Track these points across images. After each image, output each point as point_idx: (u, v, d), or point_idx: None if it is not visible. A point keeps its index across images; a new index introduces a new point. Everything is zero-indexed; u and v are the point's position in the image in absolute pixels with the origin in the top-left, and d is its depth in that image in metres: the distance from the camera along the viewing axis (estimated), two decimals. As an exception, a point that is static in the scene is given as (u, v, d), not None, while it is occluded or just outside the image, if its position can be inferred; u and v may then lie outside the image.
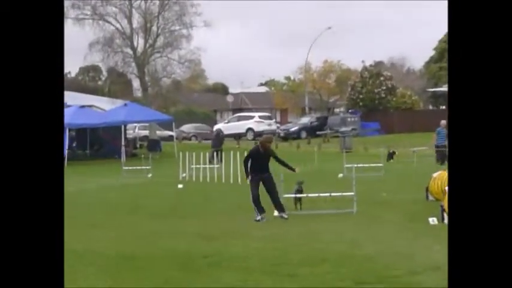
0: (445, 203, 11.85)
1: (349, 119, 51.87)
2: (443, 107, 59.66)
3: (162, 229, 13.09)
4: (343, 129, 43.52)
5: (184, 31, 49.26)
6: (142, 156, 31.58)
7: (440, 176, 15.53)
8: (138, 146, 46.35)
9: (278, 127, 57.92)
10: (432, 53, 68.75)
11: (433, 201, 15.32)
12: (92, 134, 41.89)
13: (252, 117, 55.60)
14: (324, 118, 56.39)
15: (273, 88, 79.57)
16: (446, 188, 11.24)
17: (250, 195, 14.18)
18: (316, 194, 15.18)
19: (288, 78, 72.96)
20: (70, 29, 45.93)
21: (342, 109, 66.99)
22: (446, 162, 23.50)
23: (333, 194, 15.19)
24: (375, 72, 58.71)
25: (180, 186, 22.36)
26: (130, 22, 48.77)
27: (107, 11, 48.48)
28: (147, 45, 49.14)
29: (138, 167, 28.38)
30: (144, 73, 49.65)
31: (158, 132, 50.45)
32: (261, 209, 13.93)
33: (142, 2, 48.66)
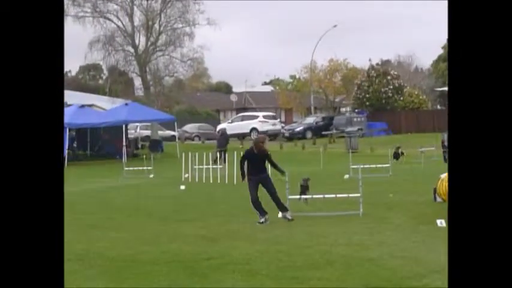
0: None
1: (355, 119, 51.86)
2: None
3: (164, 231, 13.10)
4: (349, 129, 43.52)
5: (187, 29, 49.34)
6: (144, 156, 31.63)
7: (449, 177, 15.51)
8: (139, 146, 46.39)
9: (283, 127, 57.88)
10: (440, 51, 68.74)
11: (441, 203, 15.31)
12: (93, 134, 41.94)
13: (256, 117, 55.61)
14: (330, 118, 56.34)
15: (277, 87, 79.49)
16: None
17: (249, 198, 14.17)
18: (322, 195, 15.17)
19: (293, 76, 72.91)
20: (70, 27, 46.05)
21: (348, 109, 66.95)
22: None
23: (338, 195, 15.18)
24: (381, 71, 58.64)
25: (182, 187, 22.37)
26: (131, 20, 48.82)
27: (108, 9, 48.55)
28: (149, 43, 49.18)
29: (139, 168, 28.41)
30: (146, 72, 49.68)
31: (160, 132, 50.49)
32: (262, 211, 13.91)
33: (144, -1, 48.75)
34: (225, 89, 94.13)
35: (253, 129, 53.81)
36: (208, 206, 17.28)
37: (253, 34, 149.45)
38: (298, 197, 15.20)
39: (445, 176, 16.02)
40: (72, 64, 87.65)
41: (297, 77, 72.19)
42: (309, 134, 53.24)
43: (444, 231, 11.82)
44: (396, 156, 31.76)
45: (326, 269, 9.03)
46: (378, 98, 57.00)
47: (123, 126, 39.57)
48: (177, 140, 45.25)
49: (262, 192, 14.31)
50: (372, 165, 24.43)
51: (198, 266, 9.51)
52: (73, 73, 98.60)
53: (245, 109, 74.67)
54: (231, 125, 53.69)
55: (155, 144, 43.60)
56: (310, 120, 57.38)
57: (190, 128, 59.15)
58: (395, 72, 60.23)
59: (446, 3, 5.59)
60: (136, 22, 49.21)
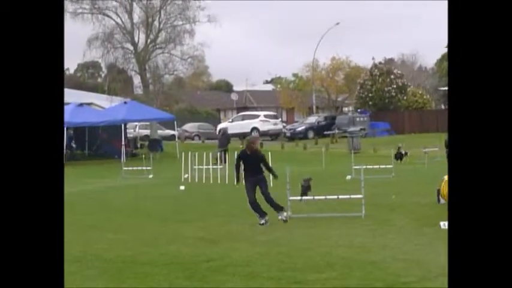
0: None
1: (358, 119, 51.81)
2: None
3: (163, 232, 13.13)
4: (352, 129, 43.50)
5: (187, 26, 49.38)
6: (143, 156, 31.64)
7: (452, 179, 15.52)
8: (138, 145, 46.39)
9: (284, 126, 57.87)
10: (444, 50, 68.64)
11: (445, 205, 15.30)
12: (91, 133, 41.92)
13: (257, 116, 55.59)
14: (332, 117, 56.30)
15: (279, 86, 79.50)
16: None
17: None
18: (323, 197, 15.18)
19: (295, 75, 72.93)
20: (68, 24, 46.02)
21: (351, 108, 66.93)
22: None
23: (340, 196, 15.18)
24: (385, 70, 58.58)
25: (182, 187, 22.38)
26: (131, 16, 48.84)
27: (107, 5, 48.58)
28: (149, 40, 49.20)
29: (138, 168, 28.41)
30: (145, 70, 49.71)
31: (159, 132, 50.55)
32: (261, 212, 13.92)
33: (144, -5, 48.78)
34: (225, 87, 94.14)
35: (254, 128, 53.82)
36: (208, 207, 17.30)
37: (254, 32, 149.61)
38: (299, 198, 15.22)
39: (448, 177, 16.03)
40: (70, 62, 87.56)
41: (300, 75, 72.16)
42: (310, 134, 53.21)
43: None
44: (399, 156, 31.74)
45: (327, 272, 9.05)
46: (381, 98, 56.96)
47: (122, 125, 39.57)
48: (176, 139, 45.27)
49: (259, 193, 14.33)
50: (374, 166, 24.42)
51: (198, 267, 9.53)
52: (71, 71, 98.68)
53: (246, 108, 74.68)
54: (232, 125, 53.65)
55: (154, 144, 43.60)
56: (312, 119, 57.34)
57: (190, 127, 59.17)
58: (399, 71, 60.17)
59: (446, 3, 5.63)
60: (136, 19, 49.32)
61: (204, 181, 24.13)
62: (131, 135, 47.76)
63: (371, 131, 51.21)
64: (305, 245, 11.25)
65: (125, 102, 42.64)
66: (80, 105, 40.65)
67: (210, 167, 25.19)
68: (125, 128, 40.94)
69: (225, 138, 35.41)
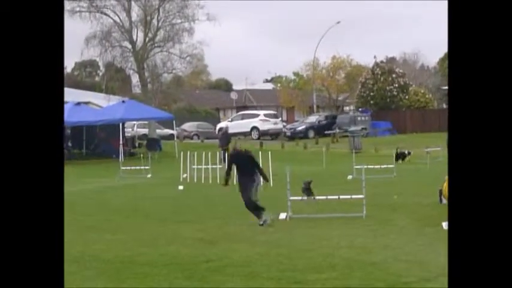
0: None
1: (359, 118, 51.82)
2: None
3: (162, 232, 13.15)
4: (353, 128, 43.52)
5: (186, 24, 49.32)
6: (141, 155, 31.64)
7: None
8: (136, 145, 46.41)
9: (284, 126, 57.86)
10: (447, 49, 68.58)
11: (447, 205, 15.32)
12: (89, 132, 41.91)
13: (257, 116, 55.54)
14: (333, 117, 56.26)
15: (279, 85, 79.49)
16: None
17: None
18: (324, 197, 15.20)
19: (296, 74, 72.93)
20: (66, 22, 45.66)
21: (352, 107, 66.92)
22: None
23: (341, 196, 15.21)
24: (387, 69, 58.56)
25: (180, 187, 22.42)
26: (129, 15, 48.83)
27: (105, 4, 48.54)
28: (147, 39, 49.19)
29: (136, 167, 28.44)
30: (144, 68, 49.69)
31: (158, 131, 50.54)
32: (259, 213, 13.93)
33: (142, -7, 48.77)
34: (224, 86, 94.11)
35: (254, 128, 53.81)
36: (207, 207, 17.32)
37: (254, 31, 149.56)
38: (300, 198, 15.23)
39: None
40: (68, 60, 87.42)
41: (300, 74, 72.15)
42: (311, 134, 53.16)
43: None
44: (402, 156, 31.75)
45: (327, 272, 9.08)
46: (382, 97, 56.94)
47: (120, 124, 39.59)
48: (175, 138, 45.28)
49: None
50: (376, 166, 24.45)
51: (197, 268, 9.56)
52: (69, 70, 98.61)
53: (245, 107, 74.66)
54: (231, 124, 53.55)
55: (153, 143, 43.61)
56: (313, 119, 57.30)
57: (189, 126, 59.14)
58: (401, 70, 60.16)
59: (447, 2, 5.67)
60: (134, 17, 49.29)
61: (203, 181, 24.15)
62: (129, 135, 47.78)
63: (372, 130, 51.21)
64: (305, 245, 11.28)
65: (123, 101, 42.63)
66: (78, 104, 40.66)
67: (209, 166, 25.20)
68: (123, 127, 40.95)
69: (225, 137, 35.45)
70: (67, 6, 46.59)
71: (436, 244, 10.87)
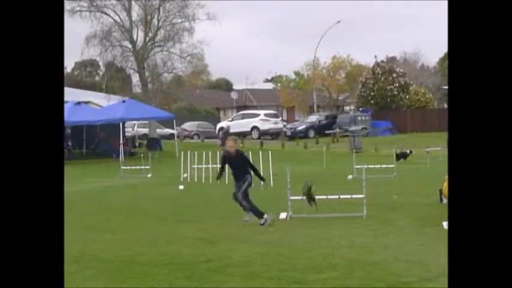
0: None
1: (359, 118, 51.81)
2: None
3: (162, 232, 13.15)
4: (353, 128, 43.53)
5: (186, 24, 49.38)
6: (142, 155, 31.65)
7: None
8: (137, 144, 46.44)
9: (284, 125, 57.86)
10: (447, 49, 68.53)
11: (447, 205, 15.32)
12: (89, 132, 41.93)
13: (257, 115, 55.55)
14: (333, 116, 56.26)
15: (279, 85, 79.46)
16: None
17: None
18: (325, 196, 15.20)
19: (297, 73, 72.89)
20: (66, 22, 45.83)
21: (352, 107, 66.92)
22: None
23: (342, 196, 15.21)
24: (387, 69, 58.55)
25: (181, 187, 22.43)
26: (129, 14, 48.86)
27: (105, 3, 48.60)
28: (147, 38, 49.21)
29: (137, 167, 28.45)
30: (144, 68, 49.72)
31: (158, 130, 50.56)
32: (258, 213, 13.93)
33: (143, -7, 48.76)
34: (225, 86, 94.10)
35: (254, 127, 53.82)
36: (207, 207, 17.33)
37: (254, 30, 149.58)
38: (300, 198, 15.23)
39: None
40: (68, 60, 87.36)
41: (301, 73, 72.13)
42: (311, 133, 53.17)
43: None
44: (404, 155, 31.73)
45: (327, 272, 9.08)
46: (382, 96, 56.93)
47: (120, 124, 39.60)
48: (175, 138, 45.29)
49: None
50: (376, 166, 24.46)
51: (197, 268, 9.56)
52: (69, 69, 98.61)
53: (246, 107, 74.65)
54: (232, 123, 53.63)
55: (153, 143, 43.64)
56: (313, 118, 57.31)
57: (189, 126, 59.15)
58: (401, 70, 60.15)
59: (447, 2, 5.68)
60: (134, 17, 49.35)
61: (203, 180, 24.14)
62: (129, 134, 47.79)
63: (373, 130, 51.21)
64: (306, 245, 11.28)
65: (123, 101, 42.65)
66: (78, 103, 40.69)
67: (210, 166, 25.20)
68: (123, 127, 40.95)
69: (226, 137, 35.51)
70: (67, 5, 46.66)
71: (436, 244, 10.87)
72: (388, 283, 8.41)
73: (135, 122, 50.15)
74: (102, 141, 41.74)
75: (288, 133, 54.25)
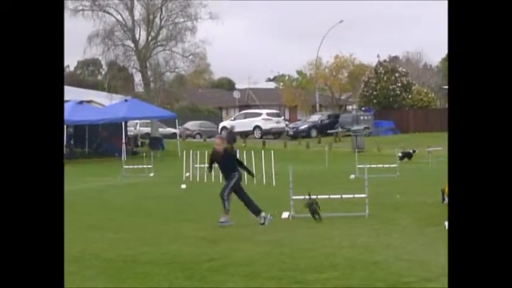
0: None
1: (361, 117, 51.78)
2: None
3: (164, 231, 13.16)
4: (356, 127, 43.50)
5: (188, 23, 49.35)
6: (144, 154, 31.69)
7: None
8: (139, 143, 46.44)
9: (287, 125, 57.84)
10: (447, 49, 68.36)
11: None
12: (91, 131, 41.98)
13: (259, 115, 55.53)
14: (335, 116, 56.25)
15: (281, 84, 79.43)
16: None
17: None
18: (327, 196, 15.19)
19: (300, 72, 72.85)
20: (68, 21, 46.01)
21: (355, 106, 66.90)
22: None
23: (344, 196, 15.20)
24: (389, 68, 58.50)
25: (183, 186, 22.43)
26: (132, 13, 48.85)
27: (107, 2, 48.58)
28: (150, 38, 49.20)
29: (139, 166, 28.45)
30: (146, 67, 49.71)
31: (160, 130, 50.57)
32: (256, 210, 13.93)
33: (145, -8, 48.76)
34: (227, 85, 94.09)
35: (257, 127, 53.81)
36: (209, 206, 17.30)
37: (257, 30, 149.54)
38: (302, 197, 15.21)
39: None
40: (70, 59, 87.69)
41: (303, 72, 72.10)
42: (313, 133, 53.15)
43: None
44: (408, 155, 31.67)
45: (328, 272, 9.07)
46: (385, 96, 56.92)
47: (123, 123, 39.60)
48: (178, 137, 45.31)
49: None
50: (378, 165, 24.44)
51: (199, 267, 9.56)
52: (71, 68, 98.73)
53: (248, 106, 74.60)
54: (234, 123, 53.65)
55: (155, 142, 43.63)
56: (315, 118, 57.30)
57: (191, 125, 59.17)
58: (404, 70, 60.11)
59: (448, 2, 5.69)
60: (137, 16, 49.31)
61: (205, 180, 24.13)
62: (132, 133, 47.80)
63: (375, 129, 51.18)
64: (307, 245, 11.28)
65: (126, 100, 42.66)
66: (80, 103, 40.71)
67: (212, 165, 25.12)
68: (126, 126, 40.96)
69: (231, 136, 35.58)
70: (70, 5, 46.70)
71: (438, 244, 10.86)
72: (389, 283, 8.40)
73: (138, 121, 50.14)
74: (104, 140, 41.77)
75: (290, 132, 54.21)
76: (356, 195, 15.07)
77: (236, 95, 78.99)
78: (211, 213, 15.89)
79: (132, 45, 49.37)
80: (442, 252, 9.90)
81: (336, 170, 27.50)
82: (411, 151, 32.48)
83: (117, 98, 48.94)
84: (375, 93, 57.34)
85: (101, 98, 53.94)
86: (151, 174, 27.37)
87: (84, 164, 35.38)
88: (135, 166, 28.50)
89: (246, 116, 56.53)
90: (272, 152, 23.89)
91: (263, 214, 13.87)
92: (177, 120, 44.50)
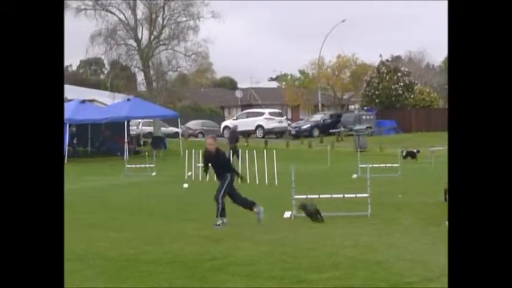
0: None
1: (364, 117, 51.75)
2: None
3: (166, 230, 13.16)
4: (358, 127, 43.48)
5: (191, 22, 49.36)
6: (146, 153, 31.66)
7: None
8: (141, 143, 46.45)
9: (289, 124, 57.84)
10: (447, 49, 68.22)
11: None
12: (93, 130, 42.02)
13: (261, 114, 55.54)
14: (338, 115, 56.23)
15: (284, 83, 79.39)
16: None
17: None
18: (329, 195, 15.19)
19: (302, 72, 72.76)
20: (71, 20, 46.11)
21: (357, 106, 66.85)
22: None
23: (346, 195, 15.20)
24: (392, 68, 58.45)
25: (185, 185, 22.44)
26: (134, 13, 48.87)
27: (110, 2, 48.61)
28: (152, 37, 49.22)
29: (141, 165, 28.46)
30: (149, 66, 49.73)
31: (163, 129, 50.55)
32: (250, 204, 13.93)
33: (147, -9, 48.77)
34: (229, 84, 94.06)
35: (259, 126, 53.80)
36: (211, 205, 17.28)
37: (259, 28, 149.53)
38: (305, 196, 15.22)
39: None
40: (72, 58, 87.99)
41: (306, 72, 72.06)
42: (316, 132, 53.11)
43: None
44: (412, 155, 31.60)
45: (330, 271, 9.07)
46: (387, 96, 56.85)
47: (125, 122, 39.62)
48: (180, 136, 45.30)
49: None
50: (381, 165, 24.42)
51: (201, 266, 9.56)
52: (74, 67, 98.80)
53: (250, 106, 74.57)
54: (236, 122, 53.62)
55: (158, 141, 43.64)
56: (318, 117, 57.28)
57: (193, 124, 59.18)
58: (406, 69, 60.05)
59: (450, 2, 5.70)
60: (139, 15, 49.33)
61: (207, 179, 24.11)
62: (134, 133, 47.83)
63: (377, 129, 51.15)
64: (310, 244, 11.27)
65: (128, 99, 42.69)
66: (83, 102, 40.75)
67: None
68: (128, 125, 40.97)
69: (234, 135, 35.57)
70: (72, 4, 46.74)
71: (440, 243, 10.85)
72: (391, 283, 8.39)
73: (140, 120, 50.14)
74: (106, 139, 41.80)
75: (293, 132, 54.19)
76: (358, 195, 15.06)
77: (238, 94, 78.94)
78: (213, 212, 15.87)
79: (135, 44, 49.40)
80: (444, 252, 9.89)
81: (338, 170, 27.49)
82: (415, 151, 32.43)
83: (119, 97, 48.97)
84: (377, 92, 57.28)
85: (104, 97, 53.99)
86: (154, 174, 27.38)
87: (87, 163, 35.41)
88: (137, 165, 28.51)
89: (249, 115, 56.53)
90: (274, 151, 23.89)
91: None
92: (179, 120, 44.50)
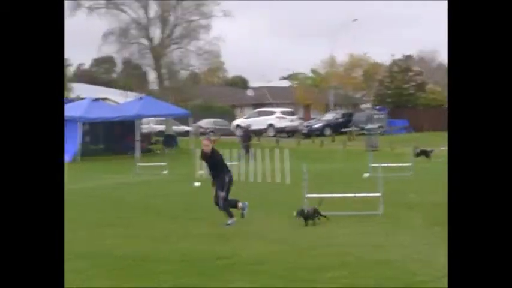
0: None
1: (375, 116, 51.57)
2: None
3: (175, 229, 13.11)
4: (370, 126, 43.39)
5: (202, 21, 49.38)
6: (158, 152, 31.70)
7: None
8: (153, 141, 46.48)
9: (301, 123, 57.71)
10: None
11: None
12: (106, 128, 42.06)
13: (273, 113, 55.47)
14: (349, 115, 56.09)
15: (295, 82, 79.27)
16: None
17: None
18: (340, 195, 15.09)
19: (314, 71, 72.67)
20: (84, 19, 46.25)
21: (369, 105, 66.69)
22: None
23: (357, 194, 15.09)
24: (404, 67, 58.26)
25: (196, 184, 22.38)
26: (146, 12, 48.92)
27: (122, 1, 48.67)
28: (164, 35, 49.25)
29: (153, 164, 28.46)
30: (161, 65, 49.78)
31: (174, 127, 50.57)
32: (233, 204, 13.94)
33: (160, -10, 48.83)
34: (241, 83, 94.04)
35: (270, 125, 53.73)
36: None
37: (271, 27, 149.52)
38: (317, 195, 15.13)
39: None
40: (85, 57, 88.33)
41: (318, 71, 71.97)
42: (327, 131, 52.99)
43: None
44: (425, 153, 31.32)
45: (338, 270, 8.98)
46: (399, 95, 56.67)
47: (137, 120, 39.65)
48: (191, 135, 45.30)
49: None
50: (392, 164, 24.29)
51: (209, 265, 9.51)
52: (86, 66, 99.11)
53: (262, 104, 74.48)
54: (248, 121, 53.58)
55: (169, 140, 43.66)
56: (329, 116, 57.16)
57: (205, 123, 59.17)
58: (418, 68, 59.84)
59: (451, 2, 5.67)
60: (152, 14, 49.35)
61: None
62: (146, 131, 47.86)
63: (389, 128, 50.98)
64: (319, 243, 11.19)
65: (140, 98, 42.72)
66: (95, 100, 40.82)
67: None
68: (140, 124, 41.00)
69: (247, 134, 35.56)
70: (85, 3, 46.87)
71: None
72: (401, 282, 8.31)
73: (152, 118, 50.18)
74: (118, 137, 41.82)
75: (304, 131, 54.07)
76: (370, 194, 14.96)
77: (250, 93, 78.90)
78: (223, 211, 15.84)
79: (147, 43, 49.46)
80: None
81: (349, 169, 27.38)
82: (429, 149, 32.16)
83: (131, 96, 49.07)
84: (389, 92, 57.11)
85: (116, 95, 54.14)
86: (165, 172, 27.36)
87: (99, 161, 35.46)
88: (149, 164, 28.51)
89: (260, 114, 56.46)
90: (287, 150, 23.80)
91: (240, 204, 13.82)
92: (190, 118, 44.49)
